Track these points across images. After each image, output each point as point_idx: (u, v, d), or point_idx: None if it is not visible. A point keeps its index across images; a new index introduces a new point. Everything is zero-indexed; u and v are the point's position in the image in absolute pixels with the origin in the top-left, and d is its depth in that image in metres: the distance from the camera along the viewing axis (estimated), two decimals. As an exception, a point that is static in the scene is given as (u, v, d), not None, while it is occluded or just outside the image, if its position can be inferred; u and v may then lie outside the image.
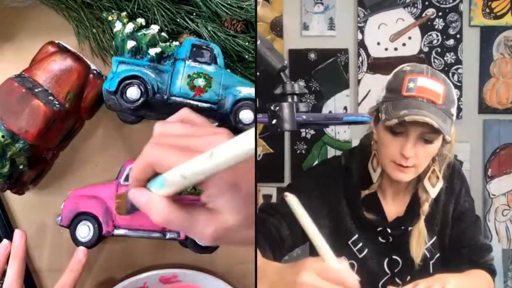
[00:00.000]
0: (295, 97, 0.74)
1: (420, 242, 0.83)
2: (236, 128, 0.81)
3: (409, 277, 0.85)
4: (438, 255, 0.87)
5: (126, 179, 0.83)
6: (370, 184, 0.83)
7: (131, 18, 0.87)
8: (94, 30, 0.90)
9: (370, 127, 0.85)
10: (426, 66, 0.81)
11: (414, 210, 0.84)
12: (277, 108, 0.72)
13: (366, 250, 0.85)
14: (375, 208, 0.85)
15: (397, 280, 0.86)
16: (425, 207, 0.83)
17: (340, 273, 0.54)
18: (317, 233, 0.57)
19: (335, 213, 0.85)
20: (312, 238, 0.56)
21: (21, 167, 0.80)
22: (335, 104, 1.16)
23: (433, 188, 0.83)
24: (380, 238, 0.85)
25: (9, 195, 0.88)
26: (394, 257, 0.85)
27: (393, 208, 0.86)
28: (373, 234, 0.85)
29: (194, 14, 0.89)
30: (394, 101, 0.77)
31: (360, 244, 0.85)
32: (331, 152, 1.16)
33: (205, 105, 0.81)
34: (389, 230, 0.84)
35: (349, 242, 0.85)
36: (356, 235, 0.84)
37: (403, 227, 0.85)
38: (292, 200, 0.59)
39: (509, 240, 1.16)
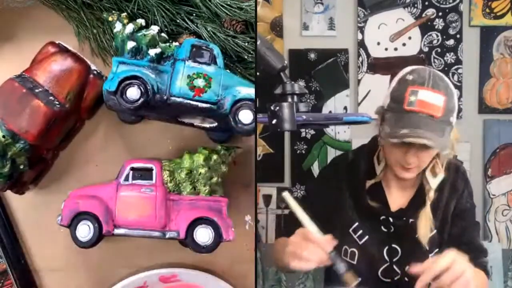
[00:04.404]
0: (295, 97, 0.75)
1: (427, 224, 0.88)
2: (236, 128, 0.81)
3: (407, 267, 0.87)
4: (437, 250, 0.89)
5: (126, 179, 0.83)
6: (375, 176, 0.88)
7: (131, 18, 0.87)
8: (94, 31, 0.90)
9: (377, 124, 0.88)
10: (429, 73, 0.84)
11: (417, 203, 0.88)
12: (277, 108, 0.72)
13: (366, 237, 0.89)
14: (379, 198, 0.89)
15: (396, 268, 0.89)
16: (431, 194, 0.88)
17: (317, 236, 0.77)
18: (307, 218, 0.80)
19: (337, 202, 0.89)
20: (304, 222, 0.80)
21: (21, 167, 0.80)
22: (335, 104, 1.16)
23: (434, 179, 0.88)
24: (382, 227, 0.88)
25: (9, 195, 0.88)
26: (394, 246, 0.89)
27: (397, 199, 0.90)
28: (375, 222, 0.89)
29: (194, 14, 0.89)
30: (397, 113, 0.83)
31: (361, 231, 0.88)
32: (331, 152, 1.16)
33: (204, 105, 0.81)
34: (391, 220, 0.88)
35: (350, 230, 0.89)
36: (357, 223, 0.89)
37: (404, 218, 0.88)
38: (287, 196, 0.82)
39: (509, 240, 1.16)
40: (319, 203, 0.90)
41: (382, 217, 0.88)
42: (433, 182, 0.88)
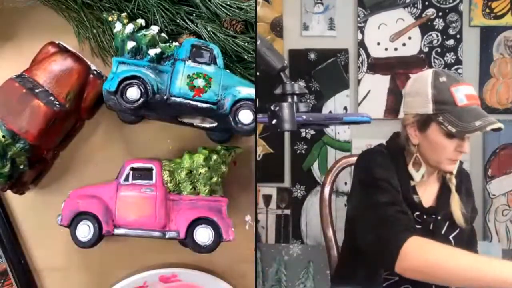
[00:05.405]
0: (295, 97, 0.75)
1: (457, 205, 0.92)
2: (236, 128, 0.81)
3: None
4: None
5: (126, 179, 0.83)
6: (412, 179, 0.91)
7: (131, 18, 0.87)
8: (94, 31, 0.90)
9: (409, 133, 0.90)
10: (449, 72, 0.88)
11: (443, 200, 0.92)
12: (277, 108, 0.72)
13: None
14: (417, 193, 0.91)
15: None
16: (452, 180, 0.92)
17: None
18: None
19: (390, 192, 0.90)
20: None
21: (21, 167, 0.80)
22: (335, 104, 1.16)
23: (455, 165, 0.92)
24: (416, 224, 0.90)
25: (9, 195, 0.88)
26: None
27: (424, 198, 0.92)
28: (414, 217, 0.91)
29: (194, 14, 0.89)
30: (453, 112, 0.86)
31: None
32: (331, 152, 1.17)
33: (204, 105, 0.81)
34: (424, 216, 0.90)
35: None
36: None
37: (434, 216, 0.91)
38: None
39: (509, 240, 1.16)
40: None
41: (417, 212, 0.90)
42: (454, 168, 0.91)
